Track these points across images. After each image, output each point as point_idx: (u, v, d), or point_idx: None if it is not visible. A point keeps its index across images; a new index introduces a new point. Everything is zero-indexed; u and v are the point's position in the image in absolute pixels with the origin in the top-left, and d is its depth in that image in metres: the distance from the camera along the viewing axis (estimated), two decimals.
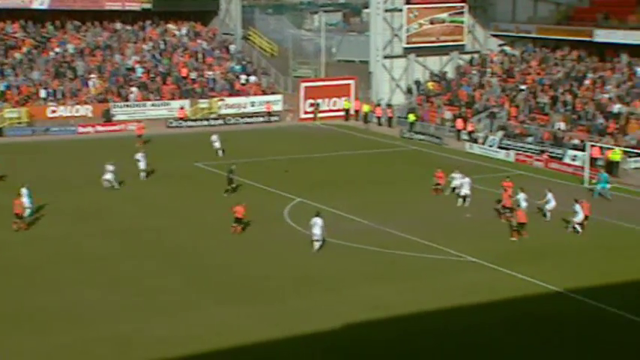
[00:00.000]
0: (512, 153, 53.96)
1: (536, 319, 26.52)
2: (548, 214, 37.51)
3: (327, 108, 70.17)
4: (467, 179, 41.00)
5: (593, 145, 48.51)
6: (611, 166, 47.81)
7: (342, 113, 69.99)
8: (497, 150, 55.35)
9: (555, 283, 29.48)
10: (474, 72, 67.90)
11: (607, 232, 36.09)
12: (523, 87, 62.28)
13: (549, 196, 37.70)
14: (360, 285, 29.47)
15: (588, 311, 27.32)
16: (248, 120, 67.94)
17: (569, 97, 57.99)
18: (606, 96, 56.37)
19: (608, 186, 42.39)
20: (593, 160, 48.20)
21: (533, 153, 53.34)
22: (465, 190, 40.51)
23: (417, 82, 70.36)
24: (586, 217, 36.02)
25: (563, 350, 24.26)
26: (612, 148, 48.33)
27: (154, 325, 25.55)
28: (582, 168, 47.67)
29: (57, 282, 29.61)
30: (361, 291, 28.84)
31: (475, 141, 57.81)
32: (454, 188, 41.83)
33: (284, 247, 34.11)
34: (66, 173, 48.04)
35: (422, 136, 61.16)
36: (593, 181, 44.03)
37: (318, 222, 32.65)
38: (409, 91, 70.47)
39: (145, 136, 56.56)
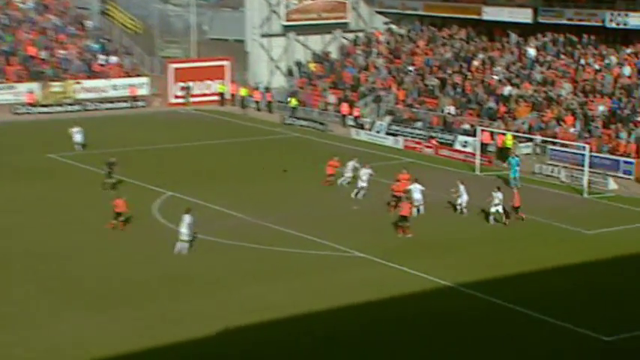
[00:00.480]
0: (400, 139, 55.00)
1: (430, 315, 27.20)
2: (465, 210, 38.12)
3: (199, 92, 69.51)
4: (367, 170, 41.26)
5: (483, 130, 50.12)
6: (503, 152, 49.52)
7: (216, 98, 69.52)
8: (385, 136, 56.30)
9: (447, 278, 30.28)
10: (359, 52, 68.85)
11: (497, 224, 37.30)
12: (411, 68, 63.66)
13: (461, 189, 38.34)
14: (240, 286, 29.32)
15: (481, 306, 28.16)
16: (110, 106, 66.30)
17: (458, 79, 59.72)
18: (496, 78, 58.37)
19: (518, 170, 43.53)
20: (484, 146, 49.80)
21: (423, 139, 54.57)
22: (362, 183, 40.88)
23: (298, 64, 70.69)
24: (516, 208, 37.12)
25: (457, 347, 24.94)
26: (504, 133, 50.02)
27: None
28: (473, 155, 49.16)
29: None
30: (241, 292, 28.71)
31: (361, 127, 58.60)
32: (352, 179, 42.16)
33: (153, 246, 33.51)
34: None
35: (304, 122, 61.53)
36: (504, 165, 45.40)
37: (186, 219, 32.21)
38: (290, 73, 70.71)
39: None
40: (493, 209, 36.87)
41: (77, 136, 50.71)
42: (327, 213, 38.55)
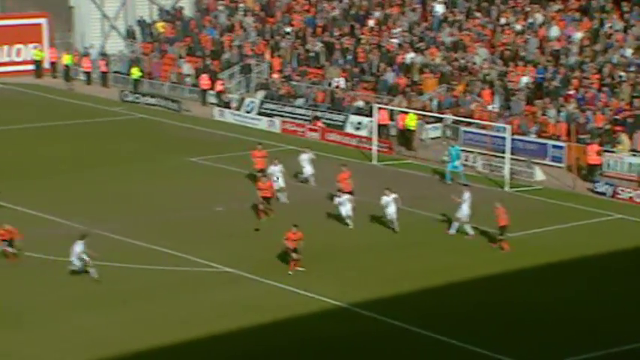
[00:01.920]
0: (277, 121, 55.51)
1: (318, 341, 27.88)
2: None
3: (7, 59, 68.21)
4: (278, 167, 41.26)
5: (381, 109, 50.80)
6: (406, 136, 50.66)
7: (30, 67, 68.40)
8: (258, 117, 56.70)
9: (337, 297, 31.06)
10: (221, 8, 68.98)
11: (400, 226, 38.25)
12: (288, 30, 64.10)
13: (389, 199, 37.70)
14: (66, 315, 29.34)
15: (378, 329, 28.99)
16: None
17: (349, 44, 60.49)
18: (395, 42, 59.44)
19: (458, 163, 44.56)
20: (382, 129, 50.77)
21: (306, 120, 55.19)
22: (280, 183, 41.06)
23: (142, 23, 70.26)
24: (503, 227, 36.05)
25: None
26: (406, 112, 50.75)
27: None
28: (370, 139, 49.92)
29: None
30: (67, 324, 28.74)
31: (227, 105, 58.86)
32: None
33: None
34: None
35: (151, 100, 61.16)
36: (445, 158, 45.66)
37: (77, 248, 32.07)
38: (130, 35, 70.20)
39: None
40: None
41: None
42: (182, 216, 38.75)
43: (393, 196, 37.21)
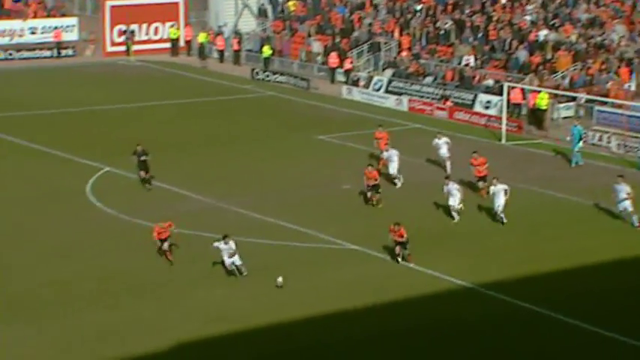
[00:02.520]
0: (404, 99, 54.99)
1: (446, 323, 27.26)
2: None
3: (145, 37, 69.33)
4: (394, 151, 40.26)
5: (511, 87, 50.00)
6: (537, 116, 49.67)
7: (167, 45, 69.37)
8: (385, 95, 56.25)
9: (463, 277, 30.43)
10: None
11: (527, 206, 37.43)
12: (418, 7, 63.61)
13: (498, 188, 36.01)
14: (198, 288, 29.39)
15: (505, 311, 28.37)
16: (27, 55, 66.21)
17: (479, 21, 59.67)
18: (528, 19, 58.37)
19: (581, 144, 43.32)
20: (514, 108, 49.89)
21: (434, 99, 54.51)
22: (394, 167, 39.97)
23: (273, 1, 70.57)
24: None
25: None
26: (537, 91, 49.91)
27: None
28: (499, 118, 49.18)
29: None
30: (199, 296, 28.76)
31: (355, 83, 58.58)
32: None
33: (85, 236, 33.58)
34: None
35: (281, 78, 61.47)
36: (567, 138, 44.48)
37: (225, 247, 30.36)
38: (262, 13, 70.55)
39: None
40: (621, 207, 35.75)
41: None
42: (309, 193, 38.62)
43: (502, 186, 35.43)
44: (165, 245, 31.03)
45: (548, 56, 54.95)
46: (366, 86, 57.82)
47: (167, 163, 42.09)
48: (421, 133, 47.84)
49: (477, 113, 52.05)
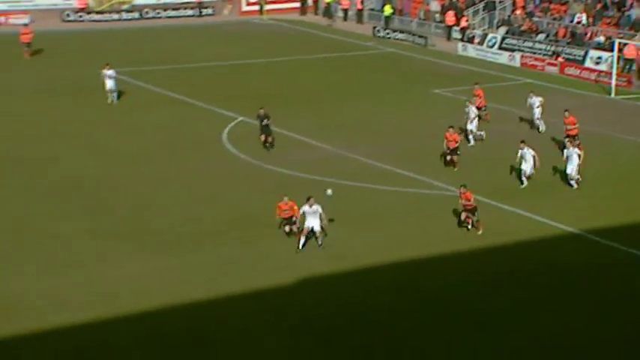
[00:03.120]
0: (517, 55, 54.15)
1: (559, 269, 26.60)
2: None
3: None
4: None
5: (624, 44, 48.71)
6: None
7: (296, 4, 69.38)
8: (499, 52, 55.54)
9: (571, 223, 29.63)
10: None
11: (634, 157, 36.32)
12: None
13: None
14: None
15: (611, 258, 27.45)
16: (172, 14, 67.07)
17: None
18: None
19: None
20: (625, 63, 48.50)
21: (545, 55, 53.50)
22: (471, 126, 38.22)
23: None
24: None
25: (594, 308, 24.49)
26: None
27: (49, 283, 25.24)
28: (609, 74, 47.85)
29: None
30: (334, 249, 28.66)
31: (470, 40, 57.88)
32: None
33: (220, 179, 33.82)
34: None
35: (401, 35, 61.16)
36: None
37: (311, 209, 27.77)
38: None
39: (36, 40, 55.21)
40: None
41: (109, 83, 44.38)
42: (426, 144, 38.04)
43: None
44: (291, 228, 28.20)
45: None
46: (481, 43, 57.40)
47: (295, 114, 42.16)
48: (533, 88, 46.68)
49: (587, 69, 50.95)
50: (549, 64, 52.36)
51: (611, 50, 48.47)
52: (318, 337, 22.84)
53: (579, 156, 32.56)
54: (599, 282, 25.92)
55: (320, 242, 27.57)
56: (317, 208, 27.56)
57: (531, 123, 39.71)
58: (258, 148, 37.04)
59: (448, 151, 34.89)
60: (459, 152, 34.87)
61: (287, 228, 28.28)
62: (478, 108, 39.34)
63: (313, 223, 27.44)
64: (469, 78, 49.59)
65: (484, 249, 27.94)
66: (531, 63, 53.15)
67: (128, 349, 22.23)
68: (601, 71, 49.60)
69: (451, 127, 35.13)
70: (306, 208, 27.60)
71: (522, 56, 53.87)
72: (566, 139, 34.20)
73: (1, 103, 44.31)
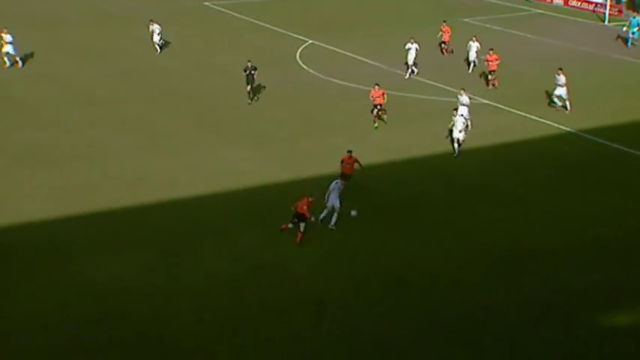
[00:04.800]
0: None
1: (550, 156, 26.24)
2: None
3: None
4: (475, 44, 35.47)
5: None
6: (636, 1, 45.99)
7: None
8: None
9: (568, 124, 28.96)
10: None
11: (623, 72, 35.11)
12: None
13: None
14: (371, 130, 29.02)
15: (599, 150, 26.91)
16: None
17: None
18: None
19: (638, 32, 39.46)
20: None
21: None
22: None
23: None
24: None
25: (569, 183, 24.08)
26: None
27: (162, 167, 25.52)
28: (603, 5, 45.99)
29: (66, 122, 29.39)
30: (372, 134, 28.46)
31: None
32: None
33: (294, 89, 33.56)
34: (58, 9, 47.32)
35: None
36: (624, 28, 40.68)
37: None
38: None
39: None
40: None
41: (155, 36, 38.71)
42: (453, 62, 37.17)
43: (465, 97, 28.11)
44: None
45: None
46: None
47: (353, 38, 41.35)
48: (541, 17, 45.25)
49: (586, 1, 48.87)
50: None
51: None
52: None
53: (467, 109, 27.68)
54: (590, 169, 25.48)
55: (333, 222, 21.62)
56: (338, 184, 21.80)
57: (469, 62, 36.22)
58: (323, 65, 36.55)
59: (373, 108, 29.06)
60: (384, 108, 29.12)
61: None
62: (444, 42, 37.37)
63: (334, 201, 21.55)
64: (492, 9, 48.19)
65: (504, 143, 27.37)
66: None
67: (227, 215, 22.49)
68: (597, 3, 47.61)
69: (377, 84, 29.54)
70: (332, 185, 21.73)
71: None
72: (461, 89, 29.27)
73: (132, 28, 44.15)
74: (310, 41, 41.02)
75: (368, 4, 51.10)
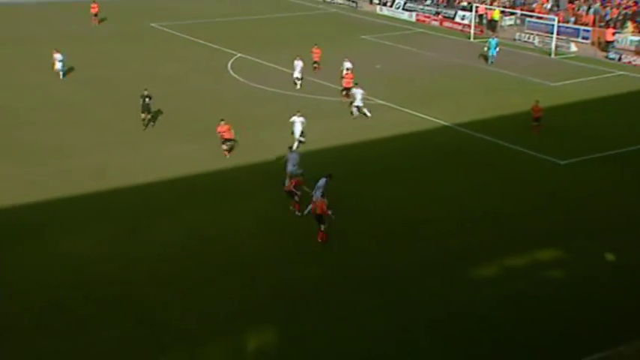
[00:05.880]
0: (413, 14, 53.15)
1: (436, 146, 27.10)
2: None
3: None
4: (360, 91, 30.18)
5: (478, 6, 48.02)
6: (492, 24, 47.65)
7: None
8: (402, 11, 54.37)
9: (446, 119, 29.89)
10: None
11: (486, 79, 36.43)
12: None
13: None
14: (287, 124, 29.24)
15: (469, 139, 27.92)
16: None
17: None
18: None
19: (497, 50, 39.58)
20: (480, 18, 48.01)
21: (431, 14, 52.61)
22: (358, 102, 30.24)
23: None
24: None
25: (448, 166, 25.05)
26: (493, 9, 47.88)
27: (122, 158, 25.16)
28: (469, 26, 47.42)
29: (39, 123, 28.55)
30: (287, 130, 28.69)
31: (384, 4, 56.57)
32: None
33: (226, 93, 33.46)
34: (32, 30, 45.51)
35: (340, 0, 59.57)
36: (485, 48, 40.62)
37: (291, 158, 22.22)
38: None
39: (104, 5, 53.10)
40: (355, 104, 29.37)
41: (59, 64, 34.72)
42: (354, 70, 37.65)
43: (300, 119, 26.12)
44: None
45: None
46: (391, 6, 55.94)
47: (274, 51, 41.21)
48: (422, 35, 46.37)
49: (457, 22, 50.06)
50: (433, 19, 51.43)
51: (471, 10, 47.80)
52: None
53: (302, 123, 25.97)
54: (462, 153, 26.38)
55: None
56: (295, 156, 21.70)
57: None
58: (251, 74, 36.45)
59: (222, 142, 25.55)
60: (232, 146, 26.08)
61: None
62: (315, 62, 35.69)
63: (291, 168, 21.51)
64: (385, 28, 48.99)
65: (399, 135, 27.91)
66: (422, 19, 52.14)
67: (176, 197, 22.33)
68: (465, 24, 48.95)
69: (222, 119, 25.65)
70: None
71: (417, 14, 52.77)
72: (344, 91, 30.38)
73: (94, 46, 42.93)
74: (239, 55, 40.83)
75: (285, 24, 51.05)
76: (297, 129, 26.10)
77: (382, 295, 17.36)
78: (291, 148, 24.27)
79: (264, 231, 20.36)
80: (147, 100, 27.63)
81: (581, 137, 27.92)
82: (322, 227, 19.34)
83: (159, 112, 29.98)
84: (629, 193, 22.94)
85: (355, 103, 29.41)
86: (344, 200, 22.01)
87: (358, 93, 29.52)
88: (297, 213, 20.89)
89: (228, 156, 25.48)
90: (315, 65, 36.67)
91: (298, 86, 33.52)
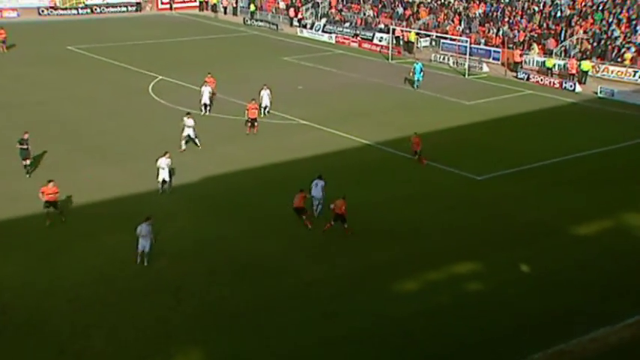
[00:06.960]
0: (333, 36, 53.83)
1: (357, 164, 27.43)
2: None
3: (180, 0, 66.83)
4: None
5: (394, 29, 49.16)
6: (409, 45, 48.94)
7: (195, 4, 66.87)
8: (322, 33, 54.95)
9: (366, 137, 30.34)
10: None
11: (404, 98, 37.18)
12: None
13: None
14: (215, 146, 29.00)
15: (387, 156, 28.48)
16: (112, 10, 63.77)
17: None
18: None
19: (422, 74, 39.44)
20: (397, 40, 49.16)
21: (350, 35, 53.38)
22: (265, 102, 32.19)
23: None
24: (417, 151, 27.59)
25: (372, 182, 25.40)
26: (409, 31, 49.19)
27: (37, 185, 24.12)
28: (387, 47, 48.45)
29: None
30: (216, 151, 28.44)
31: (304, 27, 57.16)
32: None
33: (147, 113, 32.87)
34: None
35: (261, 23, 59.83)
36: (410, 73, 40.12)
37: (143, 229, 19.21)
38: None
39: (23, 27, 51.17)
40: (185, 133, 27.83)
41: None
42: (277, 90, 37.87)
43: (167, 160, 23.84)
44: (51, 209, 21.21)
45: (415, 10, 53.56)
46: (311, 28, 56.57)
47: (194, 74, 40.72)
48: (342, 56, 47.11)
49: (375, 44, 50.95)
50: (352, 41, 52.11)
51: (389, 32, 48.76)
52: None
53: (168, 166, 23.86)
54: (384, 170, 26.84)
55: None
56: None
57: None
58: (171, 96, 35.95)
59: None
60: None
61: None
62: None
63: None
64: (305, 50, 49.43)
65: (320, 154, 28.24)
66: (342, 40, 52.78)
67: (95, 220, 21.56)
68: (383, 46, 49.92)
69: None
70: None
71: (336, 36, 53.45)
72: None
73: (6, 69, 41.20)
74: (160, 77, 40.21)
75: (205, 47, 50.75)
76: (188, 131, 27.63)
77: (309, 317, 17.28)
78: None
79: (188, 252, 19.97)
80: (27, 145, 24.81)
81: (496, 153, 28.91)
82: (345, 225, 20.95)
83: (77, 135, 29.08)
84: (540, 206, 23.87)
85: (185, 134, 27.29)
86: (268, 214, 21.87)
87: (189, 122, 27.60)
88: (309, 227, 21.33)
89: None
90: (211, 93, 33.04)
91: (206, 112, 32.17)
